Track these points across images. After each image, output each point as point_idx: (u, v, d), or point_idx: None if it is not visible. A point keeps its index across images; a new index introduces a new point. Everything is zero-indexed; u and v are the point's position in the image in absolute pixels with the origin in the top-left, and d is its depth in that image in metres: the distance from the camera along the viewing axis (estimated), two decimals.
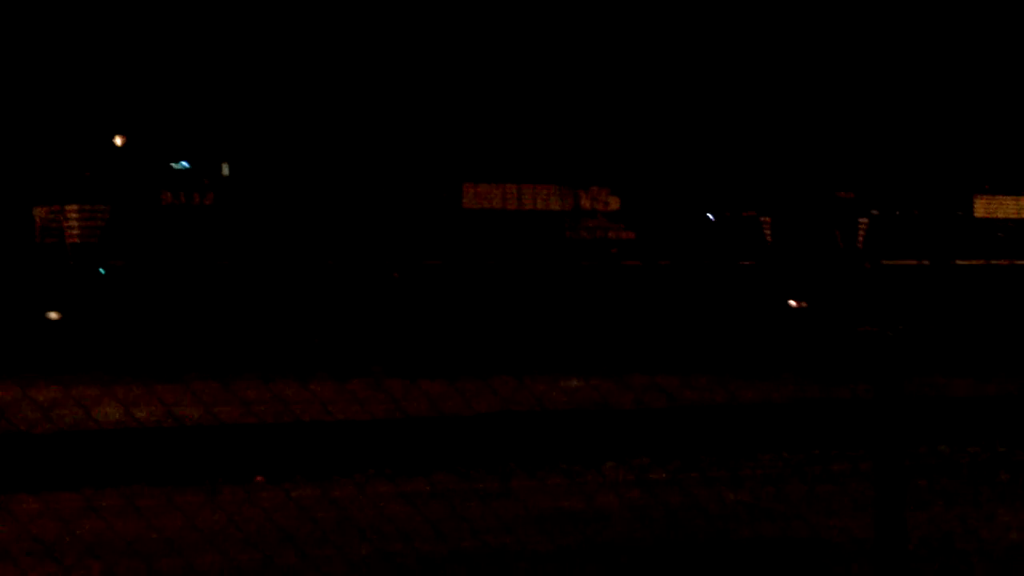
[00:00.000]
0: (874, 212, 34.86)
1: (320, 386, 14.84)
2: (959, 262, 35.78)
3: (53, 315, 23.41)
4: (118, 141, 24.19)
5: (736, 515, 8.95)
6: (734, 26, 31.18)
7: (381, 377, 16.19)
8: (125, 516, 8.72)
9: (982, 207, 37.85)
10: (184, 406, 13.70)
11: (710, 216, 31.47)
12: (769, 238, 32.27)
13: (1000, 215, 38.18)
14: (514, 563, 7.79)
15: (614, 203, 29.93)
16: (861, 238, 34.45)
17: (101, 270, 23.56)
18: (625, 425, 12.89)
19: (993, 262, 36.68)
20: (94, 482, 10.16)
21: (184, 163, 23.92)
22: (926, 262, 35.11)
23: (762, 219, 32.14)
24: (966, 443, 12.46)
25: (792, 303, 31.70)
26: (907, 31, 33.98)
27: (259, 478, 10.66)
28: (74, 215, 23.95)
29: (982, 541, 7.81)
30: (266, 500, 9.21)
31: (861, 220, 34.43)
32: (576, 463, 11.38)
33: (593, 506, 9.31)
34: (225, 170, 24.64)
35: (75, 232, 23.95)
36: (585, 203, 29.43)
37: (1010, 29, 37.14)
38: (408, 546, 7.91)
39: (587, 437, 12.38)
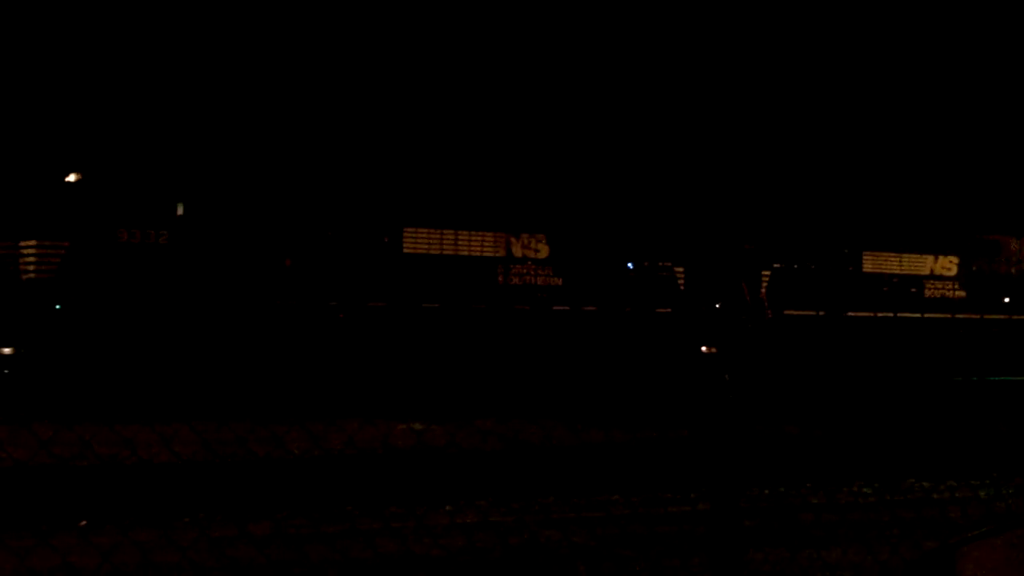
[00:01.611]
0: (776, 265, 35.96)
1: (205, 425, 14.34)
2: (850, 313, 37.07)
3: (7, 350, 22.89)
4: (73, 178, 23.80)
5: (582, 555, 9.01)
6: (652, 93, 32.11)
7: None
8: None
9: (870, 263, 39.30)
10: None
11: (630, 265, 32.13)
12: (683, 287, 33.06)
13: (885, 270, 39.68)
14: None
15: (543, 250, 30.40)
16: (764, 289, 35.50)
17: (57, 306, 23.12)
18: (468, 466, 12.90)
19: (879, 314, 38.08)
20: None
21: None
22: (822, 312, 36.29)
23: (676, 269, 32.94)
24: (802, 485, 12.82)
25: (704, 348, 32.51)
26: (814, 100, 35.35)
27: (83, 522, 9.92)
28: (31, 250, 23.47)
29: None
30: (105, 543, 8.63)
31: (764, 272, 35.48)
32: (421, 504, 11.07)
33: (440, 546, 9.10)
34: (180, 210, 24.42)
35: (31, 267, 23.46)
36: (516, 250, 29.83)
37: (898, 108, 38.83)
38: None
39: (432, 478, 12.32)
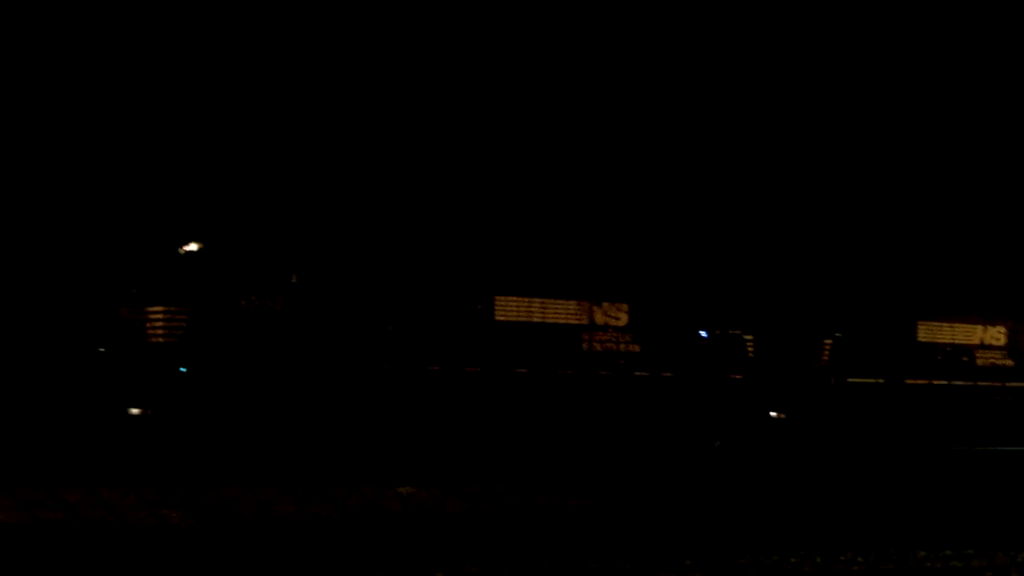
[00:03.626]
0: (837, 334, 36.41)
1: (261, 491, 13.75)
2: (908, 381, 37.45)
3: (135, 411, 23.58)
4: (195, 247, 24.63)
5: None
6: (723, 180, 32.92)
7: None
8: None
9: (924, 332, 39.69)
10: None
11: (703, 333, 32.67)
12: (751, 354, 33.56)
13: (939, 339, 40.04)
14: None
15: (623, 318, 31.00)
16: (826, 357, 35.94)
17: (182, 368, 23.83)
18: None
19: (934, 381, 38.42)
20: None
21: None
22: (880, 380, 36.67)
23: (745, 337, 33.46)
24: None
25: (773, 414, 32.95)
26: (875, 181, 36.05)
27: None
28: (157, 315, 24.24)
29: None
30: None
31: (826, 341, 35.94)
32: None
33: None
34: (293, 278, 25.19)
35: (158, 332, 24.21)
36: (599, 317, 30.45)
37: (949, 184, 39.46)
38: None
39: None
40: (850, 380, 35.68)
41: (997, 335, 40.43)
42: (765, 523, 13.38)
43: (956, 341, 40.22)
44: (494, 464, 22.28)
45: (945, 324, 40.55)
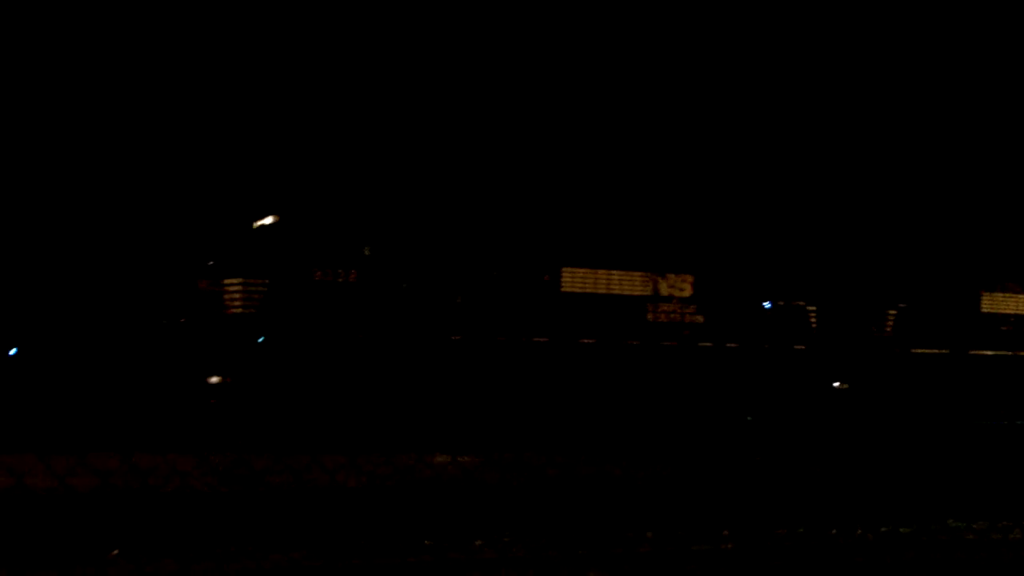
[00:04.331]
0: (901, 305, 36.26)
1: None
2: (971, 352, 37.25)
3: (214, 379, 24.12)
4: (270, 220, 25.07)
5: None
6: (795, 159, 32.82)
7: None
8: None
9: (987, 303, 39.39)
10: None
11: (766, 304, 32.70)
12: (814, 325, 33.54)
13: (1002, 310, 39.73)
14: None
15: (687, 289, 31.11)
16: (889, 328, 35.82)
17: (260, 339, 24.32)
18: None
19: (999, 352, 38.17)
20: None
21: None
22: (945, 351, 36.49)
23: (809, 308, 33.44)
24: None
25: (836, 384, 32.95)
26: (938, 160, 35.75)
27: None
28: (235, 288, 24.73)
29: None
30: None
31: (890, 312, 35.81)
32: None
33: None
34: (367, 251, 25.58)
35: (236, 303, 24.71)
36: (663, 289, 30.59)
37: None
38: None
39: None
40: (914, 351, 35.57)
41: None
42: (817, 495, 13.32)
43: (1020, 311, 39.91)
44: (558, 434, 22.58)
45: (1009, 295, 40.22)
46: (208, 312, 25.03)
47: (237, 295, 24.78)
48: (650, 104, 30.73)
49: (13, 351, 23.03)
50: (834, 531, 11.19)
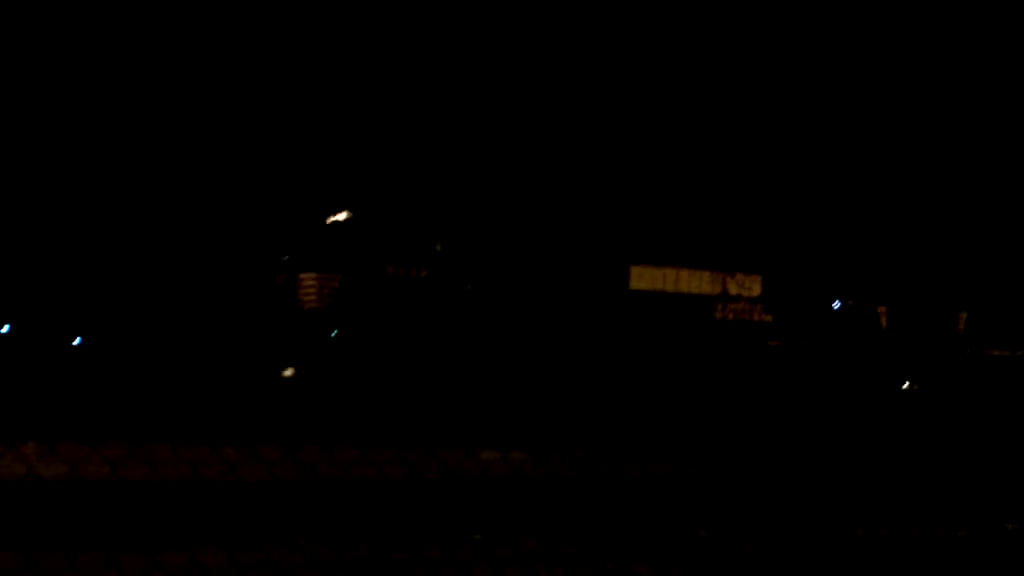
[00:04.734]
0: (972, 307, 35.92)
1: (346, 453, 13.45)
2: None
3: (288, 372, 24.63)
4: (343, 216, 25.55)
5: None
6: (868, 161, 32.72)
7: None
8: None
9: None
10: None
11: (836, 304, 32.61)
12: (884, 326, 33.39)
13: None
14: None
15: (756, 289, 31.14)
16: (960, 329, 35.51)
17: (333, 332, 24.81)
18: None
19: None
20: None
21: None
22: (1020, 352, 36.09)
23: (879, 308, 33.29)
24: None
25: (905, 385, 32.75)
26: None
27: None
28: (310, 282, 25.24)
29: None
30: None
31: (961, 314, 35.50)
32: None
33: None
34: (438, 247, 25.97)
35: (310, 297, 25.23)
36: (732, 288, 30.65)
37: None
38: None
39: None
40: (987, 352, 35.22)
41: None
42: (885, 496, 13.23)
43: None
44: (623, 429, 22.69)
45: None
46: (283, 306, 25.59)
47: (311, 289, 25.30)
48: (725, 106, 30.87)
49: (77, 340, 23.68)
50: (914, 531, 11.14)
